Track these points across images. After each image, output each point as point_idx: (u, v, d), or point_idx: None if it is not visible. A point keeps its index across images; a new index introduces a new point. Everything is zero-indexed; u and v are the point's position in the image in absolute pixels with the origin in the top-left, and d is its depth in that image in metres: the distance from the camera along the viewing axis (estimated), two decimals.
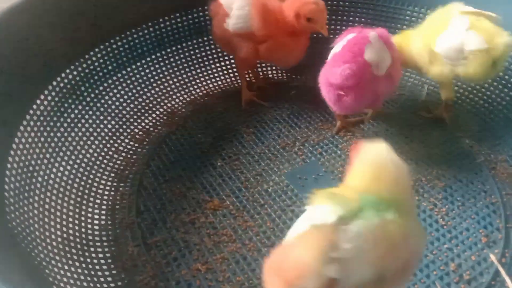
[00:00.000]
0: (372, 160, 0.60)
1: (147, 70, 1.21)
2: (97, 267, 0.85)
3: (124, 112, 1.14)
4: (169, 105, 1.21)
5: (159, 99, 1.21)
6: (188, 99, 1.23)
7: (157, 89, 1.22)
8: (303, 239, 0.54)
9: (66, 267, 0.81)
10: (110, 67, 1.14)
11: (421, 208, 0.95)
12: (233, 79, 1.30)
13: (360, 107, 1.04)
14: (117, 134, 1.11)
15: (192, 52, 1.27)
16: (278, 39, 1.09)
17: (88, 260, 0.86)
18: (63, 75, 1.03)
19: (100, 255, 0.88)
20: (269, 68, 1.33)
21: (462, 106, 1.18)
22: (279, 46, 1.10)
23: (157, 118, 1.18)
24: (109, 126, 1.11)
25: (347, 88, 0.94)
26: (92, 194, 0.98)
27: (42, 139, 0.95)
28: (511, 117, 1.10)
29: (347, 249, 0.51)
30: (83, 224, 0.92)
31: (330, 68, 0.96)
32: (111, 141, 1.09)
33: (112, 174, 1.04)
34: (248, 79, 1.26)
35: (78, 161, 1.00)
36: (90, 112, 1.08)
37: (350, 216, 0.53)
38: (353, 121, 1.15)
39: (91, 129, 1.07)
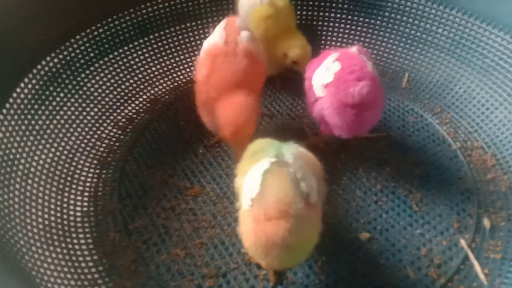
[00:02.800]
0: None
1: (130, 57, 1.21)
2: (78, 253, 0.87)
3: (106, 99, 1.15)
4: (152, 92, 1.21)
5: (142, 86, 1.21)
6: (171, 86, 1.24)
7: (140, 76, 1.22)
8: (270, 180, 0.67)
9: (46, 253, 0.83)
10: (91, 54, 1.14)
11: (396, 194, 0.97)
12: None
13: (377, 121, 1.00)
14: (100, 121, 1.12)
15: (175, 39, 1.26)
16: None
17: (70, 246, 0.87)
18: (43, 62, 1.03)
19: (82, 241, 0.90)
20: None
21: (439, 93, 1.19)
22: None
23: (140, 105, 1.18)
24: (92, 113, 1.11)
25: (366, 104, 0.88)
26: (75, 181, 0.99)
27: (23, 127, 0.95)
28: (488, 104, 1.12)
29: (299, 168, 0.69)
30: (65, 211, 0.93)
31: (342, 90, 0.88)
32: (94, 128, 1.10)
33: (95, 161, 1.05)
34: None
35: (60, 148, 1.01)
36: (72, 100, 1.09)
37: (279, 155, 0.71)
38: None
39: (73, 117, 1.07)
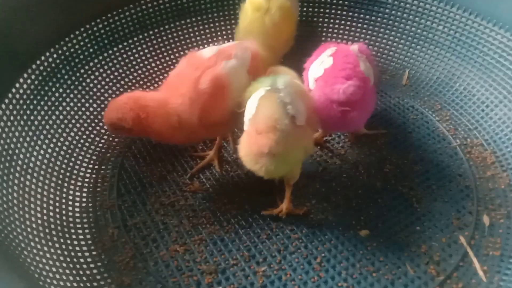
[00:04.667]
0: None
1: (129, 53, 1.20)
2: (77, 248, 0.87)
3: (106, 94, 1.15)
4: (151, 88, 1.21)
5: (141, 82, 1.21)
6: None
7: (139, 71, 1.21)
8: (263, 103, 0.79)
9: (45, 248, 0.82)
10: (91, 50, 1.13)
11: (396, 191, 0.97)
12: None
13: (364, 122, 1.01)
14: (99, 117, 1.11)
15: (174, 35, 1.26)
16: None
17: (68, 241, 0.87)
18: (43, 58, 1.03)
19: (81, 237, 0.89)
20: None
21: (440, 91, 1.19)
22: None
23: None
24: (91, 109, 1.11)
25: (352, 103, 0.88)
26: (74, 176, 0.99)
27: (22, 122, 0.95)
28: (488, 102, 1.12)
29: (288, 94, 0.78)
30: (64, 206, 0.93)
31: (329, 86, 0.89)
32: (93, 124, 1.09)
33: (94, 157, 1.05)
34: None
35: (59, 144, 1.01)
36: (71, 95, 1.08)
37: (273, 84, 0.81)
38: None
39: (72, 112, 1.07)
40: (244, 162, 0.81)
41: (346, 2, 1.28)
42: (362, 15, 1.28)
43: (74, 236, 0.89)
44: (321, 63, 0.93)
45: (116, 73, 1.18)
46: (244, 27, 1.11)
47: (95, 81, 1.14)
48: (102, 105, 1.13)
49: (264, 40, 1.05)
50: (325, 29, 1.30)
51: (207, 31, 1.30)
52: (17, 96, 0.96)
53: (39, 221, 0.87)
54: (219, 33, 1.29)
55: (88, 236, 0.90)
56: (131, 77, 1.20)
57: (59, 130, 1.03)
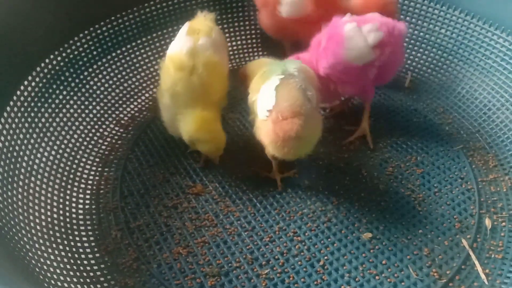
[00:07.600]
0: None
1: (132, 55, 1.21)
2: (80, 250, 0.87)
3: (109, 97, 1.15)
4: (154, 90, 1.21)
5: (144, 84, 1.21)
6: None
7: (142, 74, 1.22)
8: (282, 91, 0.85)
9: (50, 250, 0.83)
10: (95, 52, 1.14)
11: (398, 194, 0.98)
12: None
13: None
14: (102, 119, 1.12)
15: None
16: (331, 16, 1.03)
17: (72, 243, 0.88)
18: (47, 60, 1.04)
19: (84, 239, 0.90)
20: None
21: (442, 94, 1.20)
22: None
23: (142, 103, 1.19)
24: (94, 111, 1.11)
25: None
26: (77, 178, 1.00)
27: (27, 124, 0.96)
28: (490, 105, 1.12)
29: (303, 79, 0.87)
30: (67, 208, 0.93)
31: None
32: (96, 126, 1.10)
33: (97, 159, 1.05)
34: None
35: (63, 146, 1.02)
36: (75, 98, 1.09)
37: (285, 71, 0.88)
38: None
39: (76, 114, 1.08)
40: (270, 149, 0.87)
41: None
42: None
43: (77, 238, 0.89)
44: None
45: (120, 75, 1.18)
46: (168, 88, 0.95)
47: (99, 84, 1.14)
48: (106, 107, 1.14)
49: (193, 101, 0.94)
50: None
51: None
52: (22, 98, 0.96)
53: (43, 223, 0.87)
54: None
55: (91, 238, 0.90)
56: (134, 79, 1.21)
57: (63, 132, 1.03)
